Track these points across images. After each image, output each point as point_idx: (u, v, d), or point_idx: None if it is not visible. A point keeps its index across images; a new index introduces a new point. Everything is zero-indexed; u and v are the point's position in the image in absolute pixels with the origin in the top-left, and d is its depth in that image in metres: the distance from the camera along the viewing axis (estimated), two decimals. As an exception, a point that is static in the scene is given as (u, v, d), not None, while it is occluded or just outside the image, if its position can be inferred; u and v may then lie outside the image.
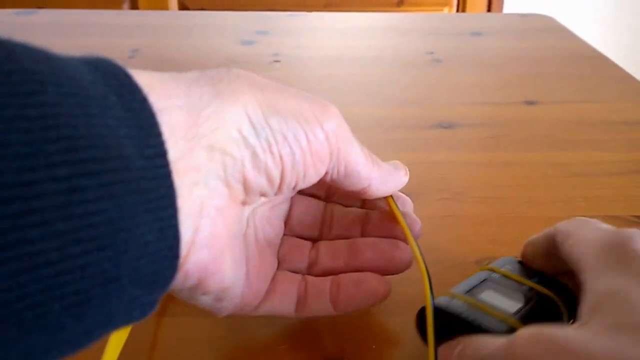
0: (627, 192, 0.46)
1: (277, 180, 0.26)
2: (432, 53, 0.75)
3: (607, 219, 0.41)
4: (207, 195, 0.23)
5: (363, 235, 0.34)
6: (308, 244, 0.33)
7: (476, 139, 0.54)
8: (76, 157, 0.18)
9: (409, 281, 0.32)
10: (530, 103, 0.61)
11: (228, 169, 0.24)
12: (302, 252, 0.33)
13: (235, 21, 0.86)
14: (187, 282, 0.25)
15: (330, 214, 0.34)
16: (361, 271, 0.32)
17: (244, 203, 0.27)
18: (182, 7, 1.76)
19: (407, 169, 0.33)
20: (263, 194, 0.27)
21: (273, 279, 0.31)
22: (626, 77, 0.68)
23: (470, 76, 0.68)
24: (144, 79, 0.22)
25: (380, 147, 0.50)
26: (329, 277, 0.32)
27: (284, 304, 0.30)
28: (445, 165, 0.49)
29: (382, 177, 0.31)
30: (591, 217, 0.30)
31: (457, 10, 1.83)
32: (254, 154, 0.25)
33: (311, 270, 0.33)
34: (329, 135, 0.27)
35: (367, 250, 0.32)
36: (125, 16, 0.89)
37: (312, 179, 0.28)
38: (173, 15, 0.94)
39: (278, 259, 0.32)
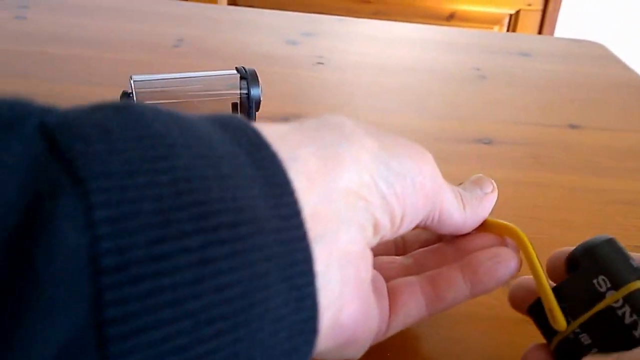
0: (667, 225, 0.44)
1: (398, 222, 0.25)
2: (478, 69, 0.73)
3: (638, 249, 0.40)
4: (350, 241, 0.22)
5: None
6: (397, 258, 0.32)
7: (515, 157, 0.53)
8: (208, 224, 0.16)
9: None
10: (573, 127, 0.60)
11: (363, 213, 0.23)
12: (393, 265, 0.31)
13: (282, 21, 0.86)
14: (340, 338, 0.23)
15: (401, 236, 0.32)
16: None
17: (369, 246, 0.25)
18: (232, 2, 1.77)
19: (493, 182, 0.31)
20: (384, 237, 0.25)
21: (391, 293, 0.29)
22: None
23: (514, 95, 0.67)
24: (271, 133, 0.21)
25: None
26: (456, 264, 0.29)
27: (413, 309, 0.29)
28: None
29: (474, 214, 0.29)
30: (624, 246, 0.29)
31: (508, 31, 1.81)
32: (383, 197, 0.24)
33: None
34: (428, 179, 0.26)
35: (468, 248, 0.30)
36: (174, 6, 0.90)
37: (418, 221, 0.27)
38: (221, 9, 0.94)
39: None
